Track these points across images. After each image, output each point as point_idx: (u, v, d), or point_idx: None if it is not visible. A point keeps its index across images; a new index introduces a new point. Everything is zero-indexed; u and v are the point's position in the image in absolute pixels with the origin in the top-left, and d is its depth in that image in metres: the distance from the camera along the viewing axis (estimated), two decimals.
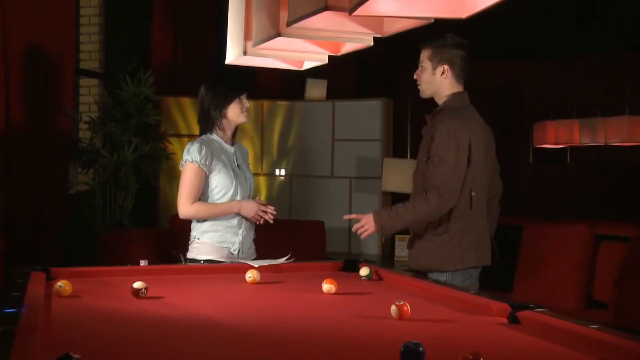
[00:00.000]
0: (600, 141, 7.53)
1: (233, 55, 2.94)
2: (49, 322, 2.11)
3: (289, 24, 2.11)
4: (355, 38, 2.32)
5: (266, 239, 5.58)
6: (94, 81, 6.90)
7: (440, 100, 3.34)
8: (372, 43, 2.40)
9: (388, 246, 6.42)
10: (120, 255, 4.68)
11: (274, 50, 2.63)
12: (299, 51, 2.66)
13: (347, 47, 2.57)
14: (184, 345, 1.94)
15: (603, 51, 8.06)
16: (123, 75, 5.68)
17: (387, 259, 6.36)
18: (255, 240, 3.70)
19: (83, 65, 6.93)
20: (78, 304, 2.43)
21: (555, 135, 7.96)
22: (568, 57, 8.41)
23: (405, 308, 2.22)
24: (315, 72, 7.70)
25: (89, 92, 6.89)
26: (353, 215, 3.35)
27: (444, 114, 3.25)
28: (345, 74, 8.47)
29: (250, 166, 6.98)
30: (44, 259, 4.97)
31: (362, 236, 3.23)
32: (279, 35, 2.28)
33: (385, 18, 2.19)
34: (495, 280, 5.31)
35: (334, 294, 2.69)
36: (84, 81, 6.96)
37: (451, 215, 3.19)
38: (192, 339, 2.01)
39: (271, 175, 7.10)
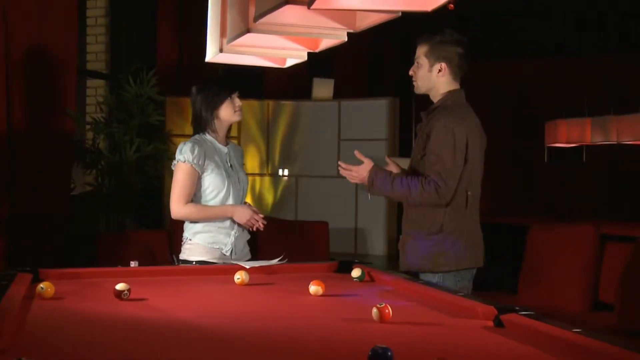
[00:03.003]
0: (613, 140, 7.42)
1: (211, 53, 2.90)
2: (23, 325, 2.07)
3: (255, 19, 2.07)
4: (327, 33, 2.26)
5: (270, 239, 5.57)
6: (100, 82, 6.92)
7: (435, 98, 3.28)
8: (345, 38, 2.34)
9: (394, 246, 6.35)
10: (119, 256, 4.66)
11: (248, 47, 2.59)
12: (275, 48, 2.61)
13: (325, 44, 2.52)
14: (158, 349, 1.91)
15: (615, 49, 7.95)
16: (125, 76, 5.67)
17: (392, 259, 6.30)
18: (250, 241, 3.66)
19: (90, 66, 6.95)
20: (58, 306, 2.40)
21: (567, 134, 7.85)
22: (580, 55, 8.31)
23: (387, 311, 2.17)
24: (322, 71, 7.75)
25: (96, 92, 6.90)
26: (347, 165, 3.22)
27: (440, 112, 3.19)
28: (358, 73, 8.43)
29: (256, 167, 7.05)
30: (46, 259, 4.97)
31: (349, 178, 3.18)
32: (248, 31, 2.24)
33: (357, 12, 2.15)
34: (501, 281, 5.25)
35: (321, 295, 2.65)
36: (90, 82, 6.98)
37: (446, 214, 3.12)
38: (167, 342, 1.98)
39: (276, 175, 7.07)
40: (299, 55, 2.68)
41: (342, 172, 3.23)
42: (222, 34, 2.62)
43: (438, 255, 3.11)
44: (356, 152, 3.18)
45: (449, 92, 3.23)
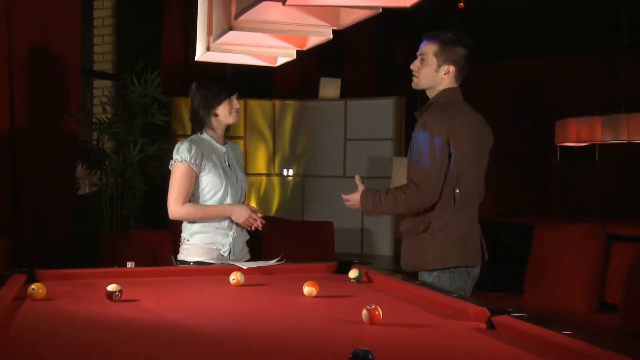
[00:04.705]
0: (623, 138, 7.36)
1: (200, 52, 2.87)
2: (8, 326, 2.06)
3: (236, 16, 2.05)
4: (311, 31, 2.23)
5: (275, 240, 5.54)
6: (107, 82, 6.92)
7: (431, 95, 3.25)
8: (331, 36, 2.31)
9: (400, 247, 6.31)
10: (121, 256, 4.64)
11: (234, 46, 2.56)
12: (262, 46, 2.58)
13: (312, 41, 2.49)
14: (143, 350, 1.89)
15: (626, 47, 7.86)
16: (129, 76, 5.67)
17: (399, 259, 6.25)
18: (255, 242, 3.63)
19: (97, 66, 6.96)
20: (47, 307, 2.38)
21: (577, 133, 7.79)
22: (591, 54, 8.23)
23: (377, 312, 2.14)
24: (332, 71, 7.71)
25: (103, 93, 6.91)
26: (347, 195, 3.34)
27: (429, 110, 3.17)
28: (368, 73, 8.39)
29: (263, 166, 7.04)
30: (49, 260, 4.98)
31: (348, 205, 3.34)
32: (231, 29, 2.21)
33: (340, 9, 2.12)
34: (509, 281, 5.20)
35: (315, 296, 2.62)
36: (97, 82, 6.98)
37: (433, 213, 3.11)
38: (153, 343, 1.96)
39: (283, 175, 7.05)
40: (287, 54, 2.65)
41: (344, 198, 3.34)
42: (209, 32, 2.60)
43: (426, 253, 3.13)
44: (356, 178, 3.35)
45: (445, 90, 3.20)
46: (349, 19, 2.11)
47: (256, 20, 2.10)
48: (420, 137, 3.06)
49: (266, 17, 2.06)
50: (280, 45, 2.55)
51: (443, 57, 3.16)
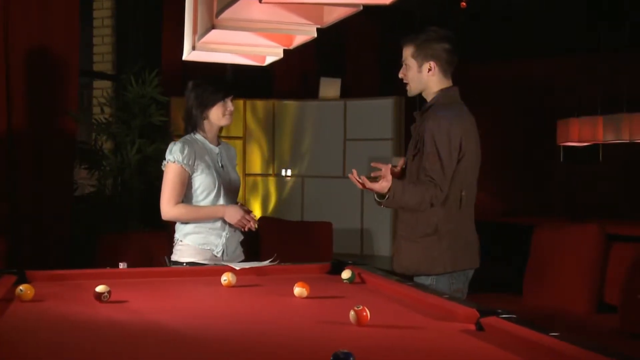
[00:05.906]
0: (625, 138, 7.32)
1: (186, 51, 2.86)
2: None
3: (217, 14, 2.03)
4: (294, 29, 2.21)
5: (274, 240, 5.53)
6: (107, 83, 6.91)
7: (429, 97, 3.22)
8: (315, 34, 2.29)
9: None
10: (118, 257, 4.63)
11: (219, 44, 2.54)
12: (247, 45, 2.56)
13: (298, 40, 2.47)
14: (127, 351, 1.87)
15: (627, 47, 7.82)
16: (128, 77, 5.66)
17: None
18: (253, 242, 3.61)
19: (96, 67, 6.95)
20: (34, 309, 2.36)
21: (579, 133, 7.74)
22: (593, 54, 8.19)
23: (364, 314, 2.12)
24: (334, 71, 7.69)
25: (102, 93, 6.90)
26: (385, 170, 2.95)
27: (434, 111, 3.13)
28: (370, 73, 8.37)
29: (262, 167, 7.02)
30: (48, 261, 4.98)
31: (364, 186, 2.96)
32: (213, 27, 2.19)
33: (324, 7, 2.10)
34: (510, 282, 5.17)
35: (305, 297, 2.60)
36: (97, 83, 6.98)
37: (440, 215, 3.04)
38: (140, 344, 1.94)
39: (282, 175, 7.04)
40: (274, 53, 2.63)
41: (357, 184, 3.03)
42: (194, 31, 2.59)
43: (433, 257, 3.04)
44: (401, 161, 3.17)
45: (442, 90, 3.17)
46: (332, 17, 2.09)
47: (237, 19, 2.08)
48: (434, 136, 2.99)
49: (247, 15, 2.05)
50: (266, 44, 2.53)
51: (421, 56, 3.14)
